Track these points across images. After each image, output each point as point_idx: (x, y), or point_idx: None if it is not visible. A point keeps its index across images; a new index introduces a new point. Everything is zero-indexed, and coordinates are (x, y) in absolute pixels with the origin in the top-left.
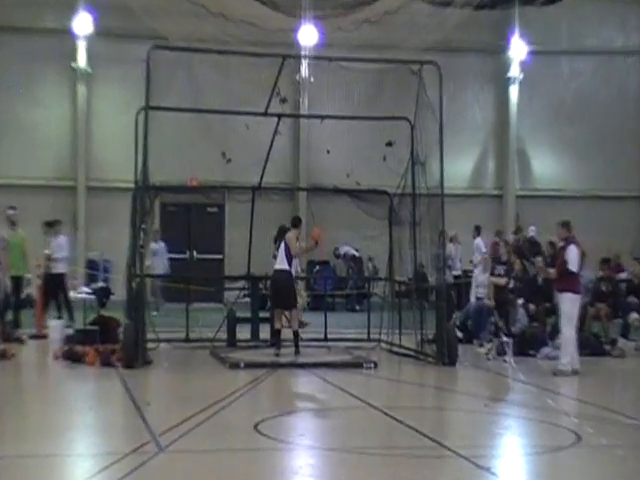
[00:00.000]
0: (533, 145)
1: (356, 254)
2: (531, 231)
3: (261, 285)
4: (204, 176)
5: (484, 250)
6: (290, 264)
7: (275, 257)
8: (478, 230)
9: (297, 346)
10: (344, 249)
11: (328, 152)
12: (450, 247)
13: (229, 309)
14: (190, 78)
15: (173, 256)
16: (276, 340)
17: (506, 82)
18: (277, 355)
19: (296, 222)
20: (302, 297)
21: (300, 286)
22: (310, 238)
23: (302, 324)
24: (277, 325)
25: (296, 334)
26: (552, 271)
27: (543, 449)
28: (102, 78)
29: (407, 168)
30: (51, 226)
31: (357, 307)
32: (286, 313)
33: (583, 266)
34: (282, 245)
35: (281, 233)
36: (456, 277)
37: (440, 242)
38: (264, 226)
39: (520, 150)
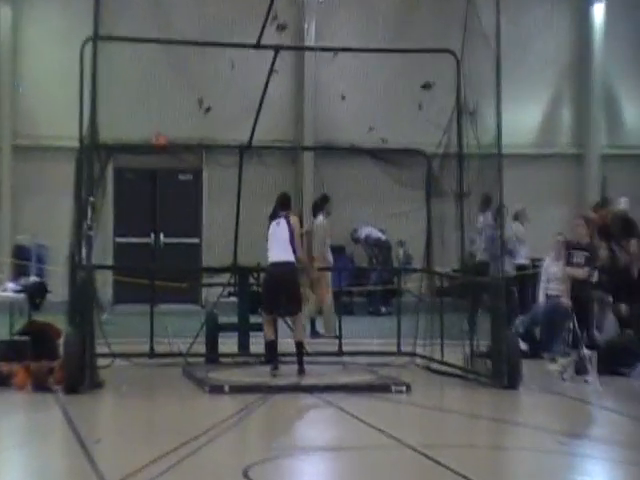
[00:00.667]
0: (626, 86)
1: (382, 237)
2: (622, 203)
3: (252, 279)
4: (174, 132)
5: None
6: (296, 254)
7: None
8: (487, 202)
9: (301, 363)
10: (365, 231)
11: (343, 98)
12: (516, 227)
13: (209, 313)
14: None
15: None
16: (272, 355)
17: None
18: (274, 375)
19: (285, 201)
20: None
21: (328, 280)
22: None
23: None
24: (270, 335)
25: (300, 346)
26: None
27: None
28: None
29: (451, 119)
30: None
31: (383, 309)
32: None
33: None
34: (282, 226)
35: (281, 207)
36: (520, 268)
37: (497, 220)
38: (256, 199)
39: (607, 93)
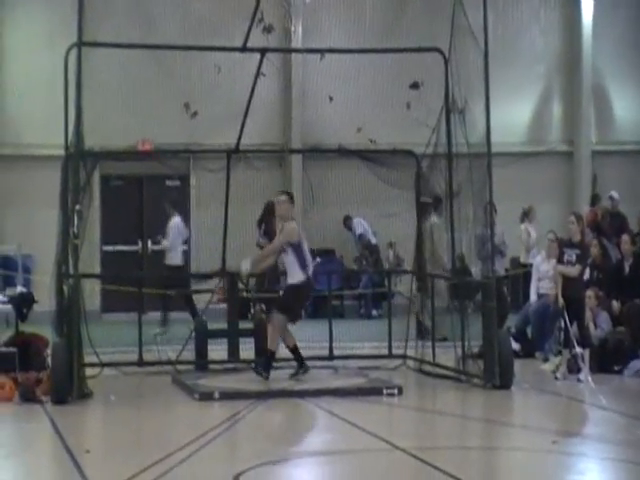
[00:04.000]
0: (615, 81)
1: (372, 240)
2: (613, 195)
3: (241, 285)
4: (160, 137)
5: None
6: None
7: (261, 246)
8: None
9: (302, 361)
10: (360, 227)
11: (331, 99)
12: (525, 227)
13: (197, 319)
14: (138, 1)
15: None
16: (268, 362)
17: None
18: (265, 378)
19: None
20: None
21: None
22: None
23: None
24: (290, 342)
25: (296, 348)
26: None
27: None
28: (16, 2)
29: (440, 119)
30: None
31: (374, 312)
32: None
33: None
34: (303, 242)
35: (268, 213)
36: (525, 266)
37: (487, 219)
38: (244, 203)
39: (597, 88)
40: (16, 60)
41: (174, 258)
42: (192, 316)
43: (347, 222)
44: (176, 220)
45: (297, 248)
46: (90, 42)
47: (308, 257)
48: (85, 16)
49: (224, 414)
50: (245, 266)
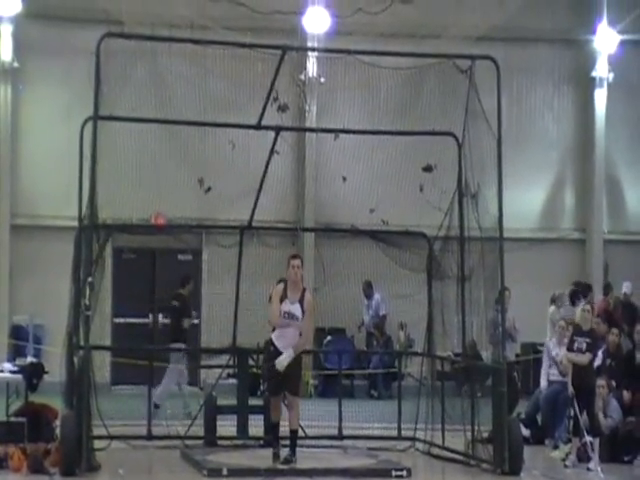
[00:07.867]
0: (628, 170)
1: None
2: (625, 288)
3: (251, 361)
4: (174, 211)
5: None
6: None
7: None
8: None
9: (294, 447)
10: (383, 307)
11: (344, 179)
12: (553, 311)
13: (207, 394)
14: (155, 77)
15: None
16: (275, 436)
17: (590, 83)
18: (277, 456)
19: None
20: None
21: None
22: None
23: None
24: (276, 417)
25: (295, 434)
26: None
27: None
28: (34, 75)
29: (452, 202)
30: None
31: (384, 393)
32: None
33: None
34: (295, 320)
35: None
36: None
37: (499, 304)
38: (256, 279)
39: (610, 177)
40: (32, 132)
41: None
42: None
43: (367, 290)
44: None
45: None
46: (106, 116)
47: (282, 336)
48: (101, 90)
49: None
50: (288, 356)
